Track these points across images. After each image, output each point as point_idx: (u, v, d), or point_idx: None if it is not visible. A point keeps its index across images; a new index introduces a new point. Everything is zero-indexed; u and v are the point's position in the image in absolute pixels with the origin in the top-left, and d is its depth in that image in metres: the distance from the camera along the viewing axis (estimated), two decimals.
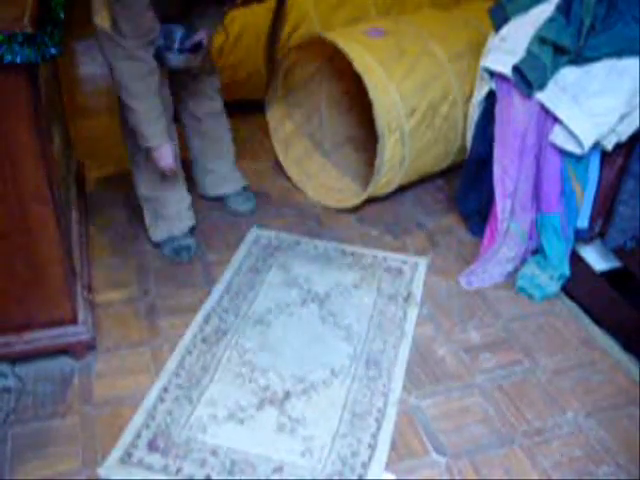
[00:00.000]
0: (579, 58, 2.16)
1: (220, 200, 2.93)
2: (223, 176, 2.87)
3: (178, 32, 2.24)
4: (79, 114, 3.64)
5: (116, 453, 1.83)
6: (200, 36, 2.30)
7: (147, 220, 2.63)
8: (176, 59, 2.25)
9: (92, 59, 4.61)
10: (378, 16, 3.43)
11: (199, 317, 2.30)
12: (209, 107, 2.69)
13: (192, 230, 2.70)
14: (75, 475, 1.79)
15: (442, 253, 2.68)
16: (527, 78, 2.19)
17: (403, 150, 2.66)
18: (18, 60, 1.55)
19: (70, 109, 3.21)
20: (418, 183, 3.05)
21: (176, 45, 2.23)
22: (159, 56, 2.18)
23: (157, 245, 2.66)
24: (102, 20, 2.05)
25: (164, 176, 2.47)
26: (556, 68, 2.18)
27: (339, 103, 3.28)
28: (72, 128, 3.03)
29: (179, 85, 2.55)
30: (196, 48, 2.29)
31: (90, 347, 2.14)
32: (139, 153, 2.42)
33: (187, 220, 2.66)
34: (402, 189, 2.97)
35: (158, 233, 2.63)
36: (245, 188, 2.93)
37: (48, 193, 1.81)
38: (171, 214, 2.60)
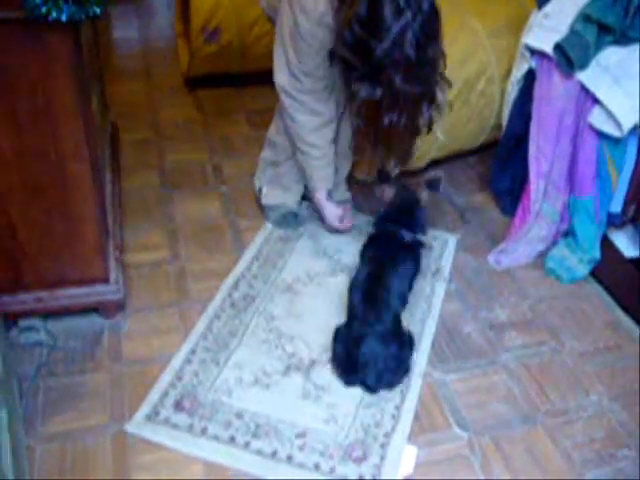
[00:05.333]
0: (624, 38, 2.12)
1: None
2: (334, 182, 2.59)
3: None
4: (114, 77, 3.65)
5: (143, 410, 1.87)
6: None
7: (262, 182, 2.63)
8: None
9: (127, 23, 4.62)
10: None
11: (228, 282, 2.32)
12: None
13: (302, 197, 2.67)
14: (103, 429, 1.82)
15: (472, 231, 2.67)
16: (569, 57, 2.16)
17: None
18: (64, 18, 1.55)
19: (105, 72, 3.22)
20: (451, 160, 3.03)
21: None
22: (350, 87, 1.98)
23: (264, 208, 2.67)
24: (282, 79, 2.17)
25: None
26: (599, 48, 2.14)
27: None
28: (107, 91, 3.04)
29: None
30: None
31: (120, 307, 2.17)
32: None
33: (299, 192, 2.63)
34: (434, 165, 2.96)
35: (270, 198, 2.62)
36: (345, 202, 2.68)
37: (86, 151, 1.82)
38: (288, 185, 2.58)
